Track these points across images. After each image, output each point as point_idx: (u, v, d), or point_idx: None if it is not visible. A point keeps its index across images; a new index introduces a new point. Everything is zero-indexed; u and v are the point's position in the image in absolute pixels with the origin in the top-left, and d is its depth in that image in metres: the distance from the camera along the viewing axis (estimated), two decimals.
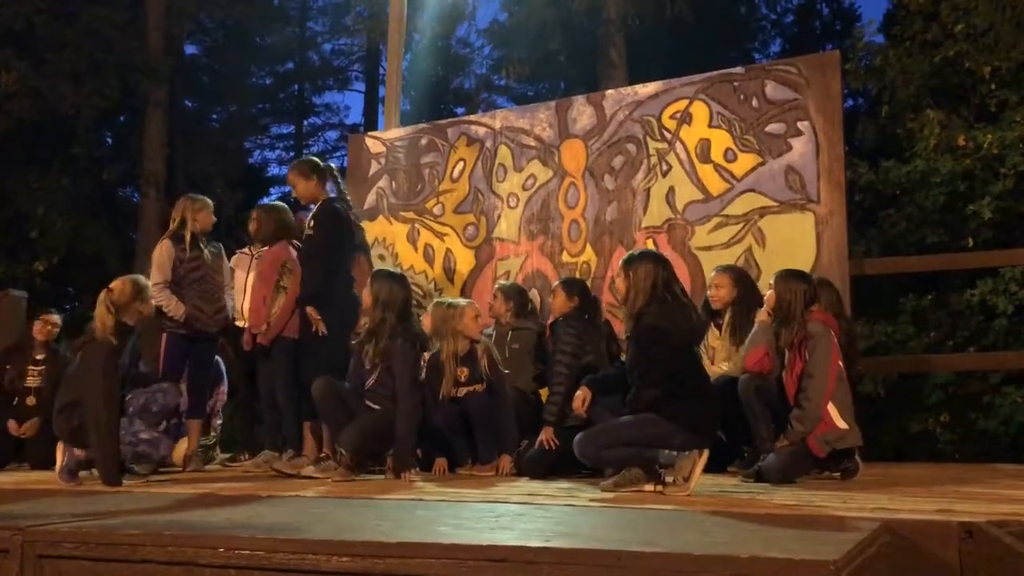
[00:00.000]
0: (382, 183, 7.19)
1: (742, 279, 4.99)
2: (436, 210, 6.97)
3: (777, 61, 6.60)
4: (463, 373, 4.89)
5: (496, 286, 5.78)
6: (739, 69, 6.23)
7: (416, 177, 7.10)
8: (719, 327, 4.91)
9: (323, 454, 4.87)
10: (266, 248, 5.54)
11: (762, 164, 5.75)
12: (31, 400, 6.00)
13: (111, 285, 4.52)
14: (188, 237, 5.35)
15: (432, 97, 18.09)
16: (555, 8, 13.95)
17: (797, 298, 4.20)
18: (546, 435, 4.61)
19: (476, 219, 6.78)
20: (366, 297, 4.74)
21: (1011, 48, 9.46)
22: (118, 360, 4.38)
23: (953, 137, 9.38)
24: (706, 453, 3.54)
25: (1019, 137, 8.88)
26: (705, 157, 5.98)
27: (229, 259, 5.80)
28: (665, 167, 6.12)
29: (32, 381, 6.07)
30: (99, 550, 2.40)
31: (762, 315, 4.36)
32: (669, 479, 3.54)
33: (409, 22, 9.86)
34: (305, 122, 23.35)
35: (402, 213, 7.08)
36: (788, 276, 4.33)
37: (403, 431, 4.49)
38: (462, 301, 5.18)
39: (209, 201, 5.56)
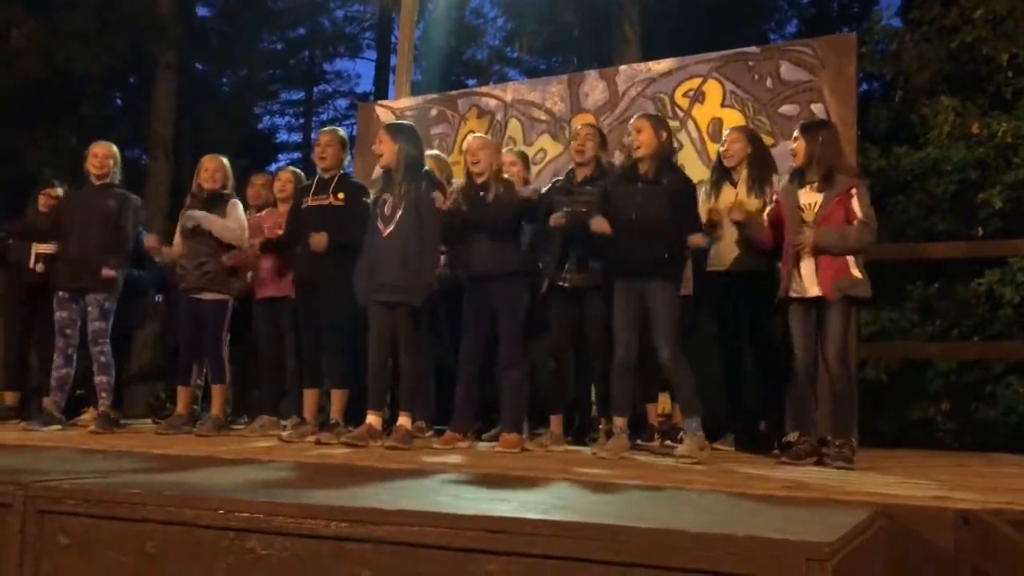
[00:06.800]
0: None
1: (754, 137, 5.07)
2: None
3: (793, 42, 6.55)
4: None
5: (508, 150, 5.63)
6: (754, 49, 6.17)
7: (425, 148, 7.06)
8: (733, 184, 4.90)
9: (333, 420, 4.91)
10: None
11: (774, 146, 5.70)
12: (40, 267, 5.96)
13: None
14: (190, 195, 5.58)
15: (444, 68, 17.94)
16: None
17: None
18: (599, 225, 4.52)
19: None
20: (386, 148, 4.71)
21: None
22: None
23: (967, 125, 9.29)
24: None
25: None
26: (717, 136, 5.92)
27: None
28: (676, 145, 6.07)
29: (45, 248, 5.99)
30: (100, 508, 2.42)
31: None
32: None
33: None
34: (315, 89, 23.25)
35: None
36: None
37: (429, 259, 4.64)
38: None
39: (207, 159, 5.59)
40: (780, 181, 4.55)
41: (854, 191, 4.12)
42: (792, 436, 4.27)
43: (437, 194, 4.72)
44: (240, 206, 5.60)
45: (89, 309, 5.46)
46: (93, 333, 5.45)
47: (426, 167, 4.86)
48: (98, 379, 5.47)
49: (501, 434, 4.66)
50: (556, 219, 4.67)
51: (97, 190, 5.60)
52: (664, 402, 5.41)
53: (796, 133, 4.28)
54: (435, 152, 5.81)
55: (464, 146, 4.95)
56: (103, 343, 5.46)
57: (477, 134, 5.31)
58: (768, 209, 4.46)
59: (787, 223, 4.21)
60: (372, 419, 4.62)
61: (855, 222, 4.07)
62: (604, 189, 4.65)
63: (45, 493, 2.51)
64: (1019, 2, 9.38)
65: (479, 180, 4.78)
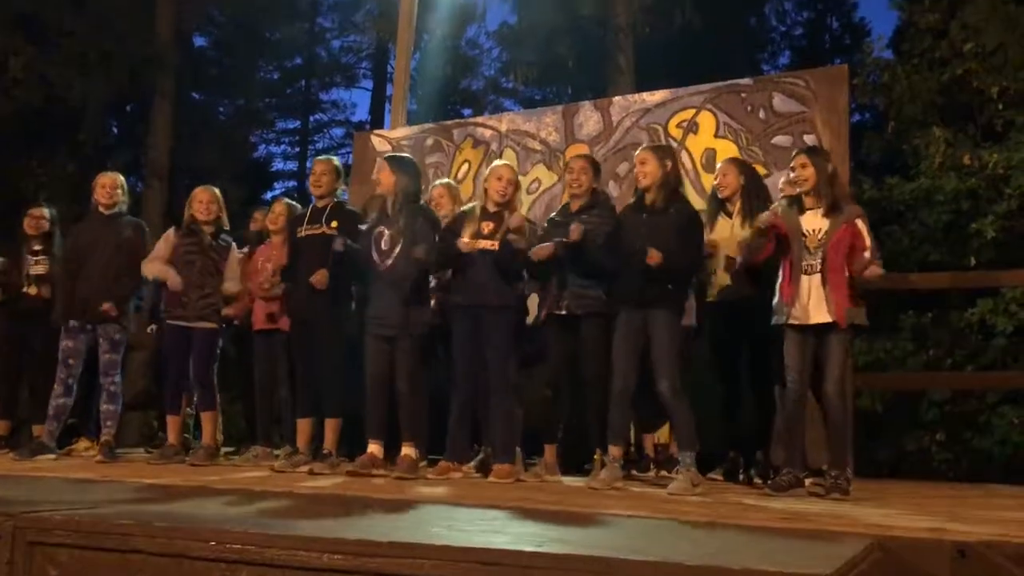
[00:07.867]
0: None
1: (747, 168, 5.04)
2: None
3: (785, 73, 6.62)
4: (487, 227, 4.65)
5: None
6: (747, 80, 6.23)
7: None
8: (729, 215, 4.86)
9: (326, 450, 4.88)
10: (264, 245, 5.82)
11: (768, 176, 5.73)
12: (33, 289, 6.03)
13: None
14: (184, 224, 5.51)
15: (439, 98, 18.06)
16: (565, 13, 13.94)
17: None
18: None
19: None
20: (386, 178, 4.75)
21: (1020, 68, 9.47)
22: None
23: (958, 156, 9.38)
24: None
25: None
26: (710, 167, 5.95)
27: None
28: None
29: (38, 269, 6.06)
30: (90, 539, 2.40)
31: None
32: None
33: (419, 21, 9.84)
34: (312, 118, 23.36)
35: None
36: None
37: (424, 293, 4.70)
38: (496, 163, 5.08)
39: (200, 190, 5.56)
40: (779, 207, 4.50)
41: (859, 221, 4.13)
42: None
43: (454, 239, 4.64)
44: (236, 254, 5.62)
45: (101, 341, 5.49)
46: (105, 364, 5.49)
47: (422, 201, 4.87)
48: (106, 407, 5.49)
49: (494, 465, 4.61)
50: (539, 251, 4.50)
51: (107, 220, 5.63)
52: (662, 433, 5.39)
53: (804, 159, 4.22)
54: (447, 180, 5.79)
55: (494, 172, 4.77)
56: (114, 374, 5.51)
57: (506, 162, 5.22)
58: (766, 217, 4.28)
59: (791, 247, 4.17)
60: (373, 448, 4.63)
61: (867, 254, 4.07)
62: (616, 217, 4.60)
63: (34, 524, 2.48)
64: (1009, 36, 9.52)
65: (494, 209, 4.69)
